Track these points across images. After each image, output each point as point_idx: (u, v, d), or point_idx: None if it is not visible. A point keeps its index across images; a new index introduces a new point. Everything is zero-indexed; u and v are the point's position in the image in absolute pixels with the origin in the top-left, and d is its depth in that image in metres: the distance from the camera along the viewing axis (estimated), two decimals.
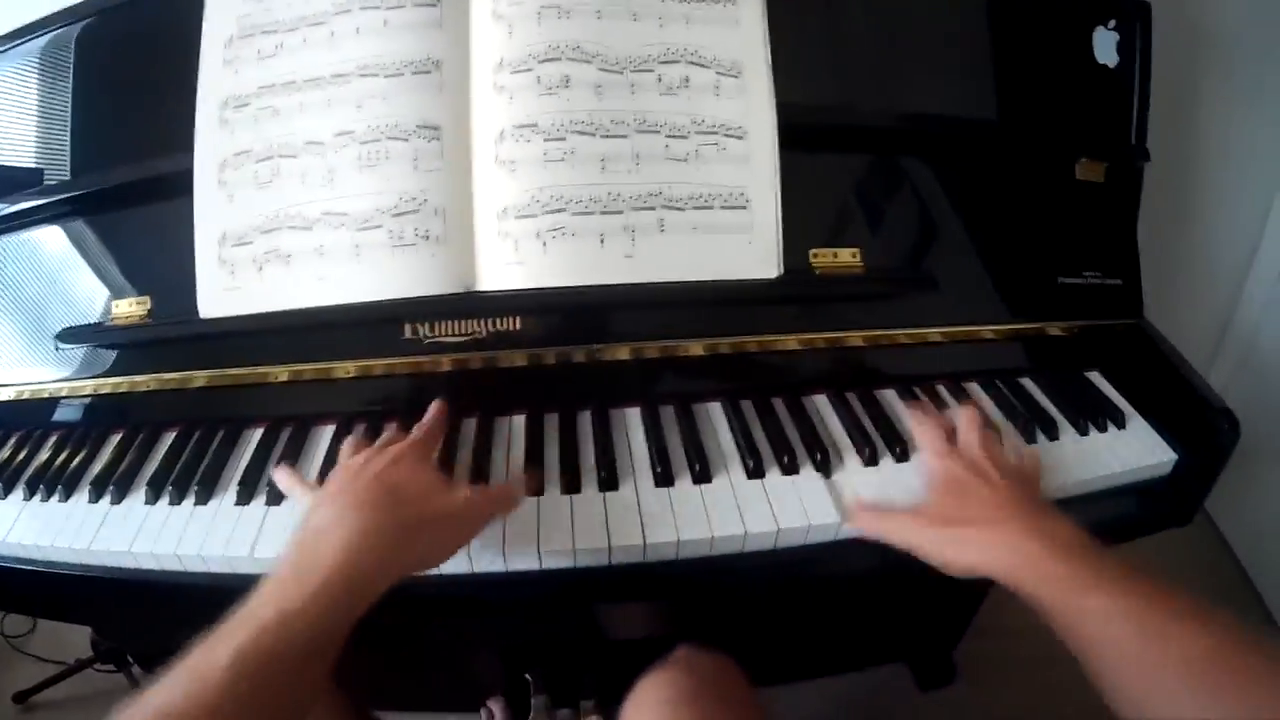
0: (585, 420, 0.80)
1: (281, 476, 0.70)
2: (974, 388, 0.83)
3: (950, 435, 0.71)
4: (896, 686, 1.31)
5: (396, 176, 0.76)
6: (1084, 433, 0.79)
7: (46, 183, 0.90)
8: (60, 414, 0.91)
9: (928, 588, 1.03)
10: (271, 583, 0.53)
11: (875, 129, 0.83)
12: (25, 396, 0.90)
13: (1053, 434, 0.79)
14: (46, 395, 0.90)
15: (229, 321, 0.80)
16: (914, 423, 0.74)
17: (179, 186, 0.82)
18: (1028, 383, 0.84)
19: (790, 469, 0.74)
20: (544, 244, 0.74)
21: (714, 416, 0.80)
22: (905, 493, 0.71)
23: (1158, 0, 0.88)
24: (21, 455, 0.88)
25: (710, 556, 0.71)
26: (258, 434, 0.84)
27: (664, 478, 0.73)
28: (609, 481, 0.73)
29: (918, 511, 0.66)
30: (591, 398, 0.81)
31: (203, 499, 0.78)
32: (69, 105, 0.90)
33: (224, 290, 0.80)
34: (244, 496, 0.77)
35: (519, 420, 0.80)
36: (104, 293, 0.87)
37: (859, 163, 0.83)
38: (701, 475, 0.74)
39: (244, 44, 0.82)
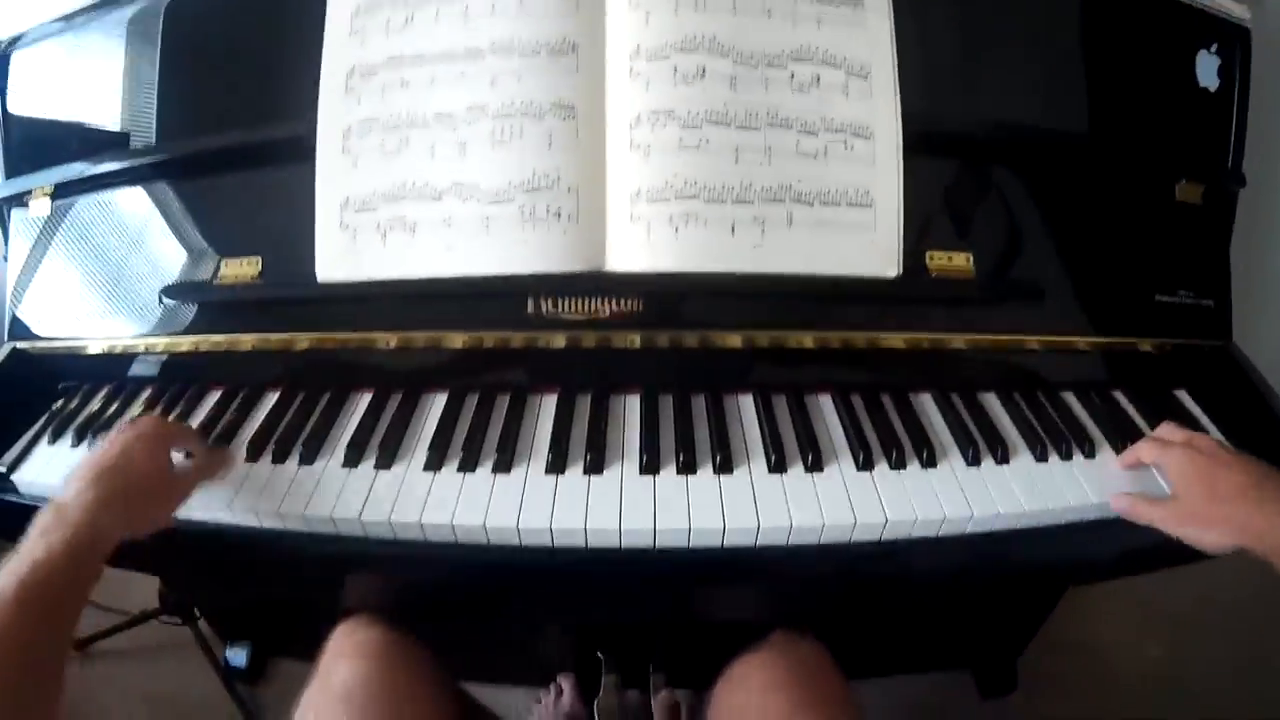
0: (700, 404, 0.81)
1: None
2: (1069, 397, 0.85)
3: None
4: (958, 692, 1.33)
5: (530, 153, 0.77)
6: None
7: (151, 143, 0.90)
8: (154, 370, 0.91)
9: (1001, 593, 1.06)
10: (37, 529, 0.62)
11: (989, 139, 0.85)
12: (118, 350, 0.90)
13: None
14: (141, 350, 0.90)
15: (347, 287, 0.80)
16: (1139, 451, 0.77)
17: (294, 152, 0.83)
18: (1120, 396, 0.86)
19: (898, 464, 0.76)
20: (676, 229, 0.76)
21: (824, 409, 0.82)
22: (1003, 494, 0.74)
23: (1254, 26, 0.90)
24: (113, 409, 0.89)
25: (815, 544, 0.73)
26: (365, 398, 0.85)
27: (778, 464, 0.75)
28: (724, 465, 0.75)
29: (1176, 505, 0.72)
30: (705, 382, 0.82)
31: (308, 460, 0.79)
32: (185, 67, 0.90)
33: (344, 254, 0.80)
34: (352, 459, 0.78)
35: (634, 400, 0.81)
36: (212, 252, 0.87)
37: (972, 171, 0.85)
38: (814, 464, 0.75)
39: (371, 15, 0.82)
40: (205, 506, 0.75)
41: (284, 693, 1.29)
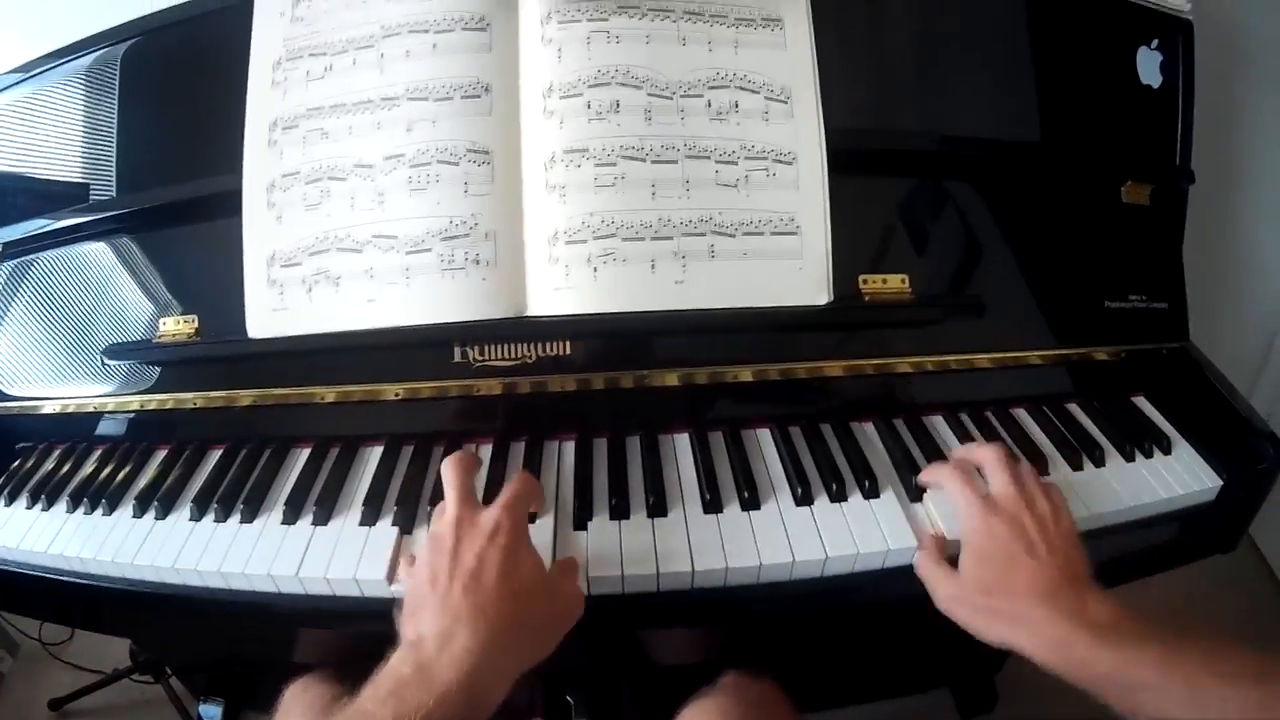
0: (634, 445, 0.79)
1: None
2: (1021, 413, 0.83)
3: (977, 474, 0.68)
4: (938, 712, 1.30)
5: (447, 200, 0.76)
6: (1130, 459, 0.79)
7: (94, 199, 0.91)
8: (105, 428, 0.92)
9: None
10: (388, 680, 0.53)
11: (921, 153, 0.83)
12: (70, 410, 0.91)
13: (1099, 460, 0.78)
14: (92, 409, 0.91)
15: (277, 342, 0.80)
16: (941, 477, 0.69)
17: (227, 207, 0.83)
18: (1074, 408, 0.84)
19: (838, 496, 0.74)
20: (595, 269, 0.74)
21: (763, 443, 0.80)
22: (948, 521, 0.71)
23: (1196, 17, 0.87)
24: (66, 468, 0.89)
25: (756, 584, 0.71)
26: (304, 453, 0.84)
27: (712, 505, 0.73)
28: (658, 508, 0.73)
29: (957, 577, 0.64)
30: (640, 423, 0.81)
31: (248, 517, 0.78)
32: (116, 123, 0.91)
33: (273, 311, 0.80)
34: (290, 516, 0.78)
35: (568, 445, 0.80)
36: (151, 310, 0.87)
37: (905, 187, 0.83)
38: (750, 502, 0.74)
39: (292, 66, 0.82)
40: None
41: None
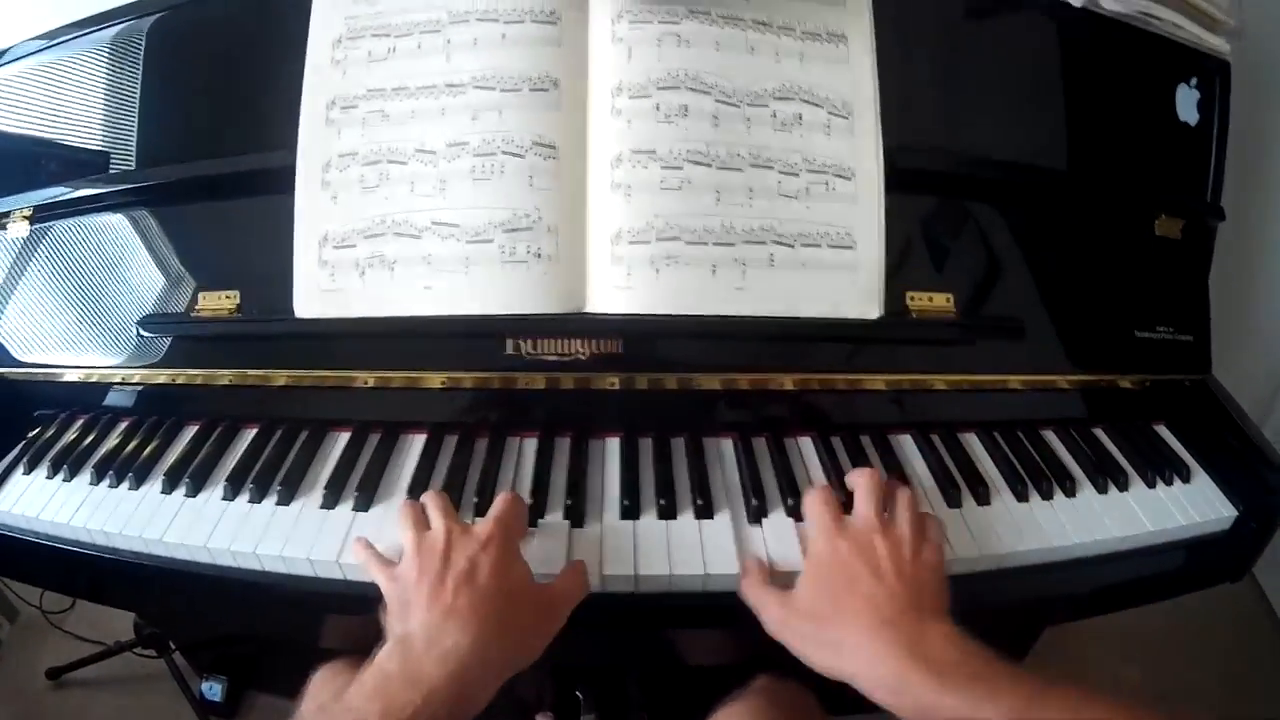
0: (679, 446, 0.80)
1: (359, 550, 0.67)
2: (1050, 435, 0.85)
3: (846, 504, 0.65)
4: None
5: (511, 192, 0.76)
6: (1152, 485, 0.81)
7: (127, 168, 0.89)
8: (131, 401, 0.90)
9: (984, 626, 1.05)
10: (375, 678, 0.52)
11: (971, 176, 0.85)
12: (94, 380, 0.89)
13: (1123, 485, 0.81)
14: (118, 380, 0.89)
15: (325, 323, 0.79)
16: (805, 499, 0.67)
17: (274, 183, 0.81)
18: (1100, 433, 0.86)
19: None
20: (657, 271, 0.75)
21: (805, 451, 0.81)
22: (1002, 530, 0.74)
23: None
24: (89, 439, 0.87)
25: None
26: (342, 437, 0.84)
27: (758, 511, 0.74)
28: (704, 510, 0.74)
29: (788, 598, 0.59)
30: (684, 424, 0.82)
31: (285, 499, 0.78)
32: (169, 91, 0.89)
33: (322, 291, 0.79)
34: (330, 500, 0.77)
35: (613, 442, 0.81)
36: (187, 283, 0.86)
37: (952, 208, 0.84)
38: (794, 510, 0.75)
39: (353, 45, 0.81)
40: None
41: None
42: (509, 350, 0.78)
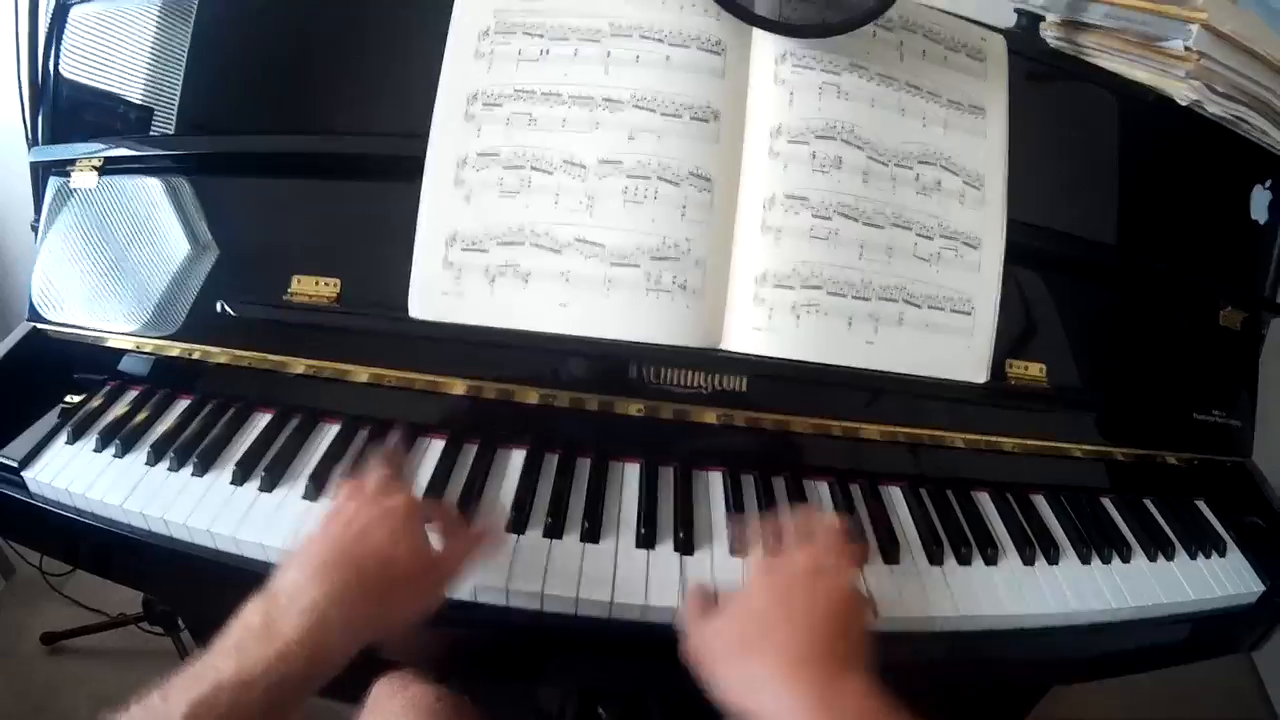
0: (780, 485, 0.83)
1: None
2: (1107, 503, 0.92)
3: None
4: None
5: (663, 219, 0.75)
6: (1194, 557, 0.89)
7: (235, 128, 0.83)
8: (189, 379, 0.84)
9: (990, 680, 1.12)
10: (237, 632, 0.51)
11: (1068, 257, 0.89)
12: (147, 350, 0.83)
13: (1170, 555, 0.88)
14: (177, 353, 0.83)
15: (438, 327, 0.76)
16: (750, 531, 0.67)
17: (394, 171, 0.78)
18: (1150, 504, 0.93)
19: (964, 560, 0.80)
20: (798, 316, 0.76)
21: (895, 500, 0.85)
22: (1055, 594, 0.79)
23: None
24: (143, 415, 0.82)
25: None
26: (434, 444, 0.82)
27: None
28: None
29: (711, 628, 0.59)
30: (783, 464, 0.84)
31: None
32: (278, 49, 0.83)
33: (443, 294, 0.76)
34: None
35: (715, 476, 0.82)
36: (282, 263, 0.81)
37: (1050, 283, 0.89)
38: (890, 557, 0.78)
39: (502, 40, 0.78)
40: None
41: None
42: (631, 375, 0.78)
